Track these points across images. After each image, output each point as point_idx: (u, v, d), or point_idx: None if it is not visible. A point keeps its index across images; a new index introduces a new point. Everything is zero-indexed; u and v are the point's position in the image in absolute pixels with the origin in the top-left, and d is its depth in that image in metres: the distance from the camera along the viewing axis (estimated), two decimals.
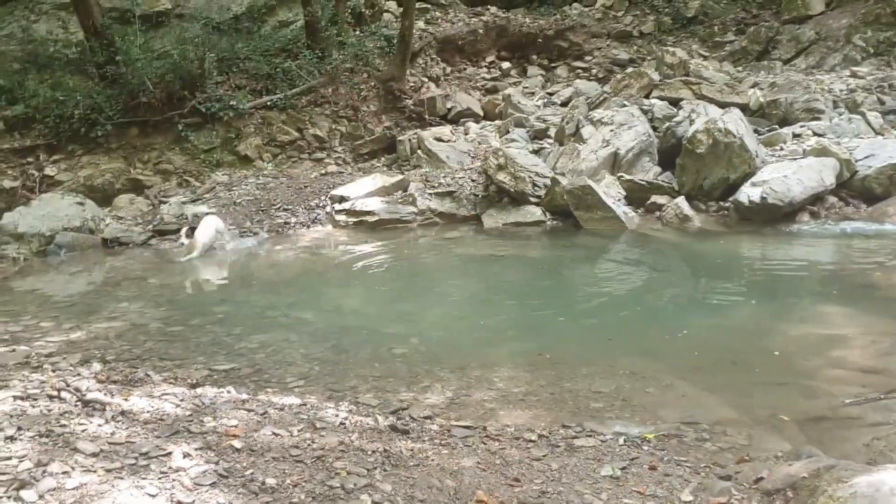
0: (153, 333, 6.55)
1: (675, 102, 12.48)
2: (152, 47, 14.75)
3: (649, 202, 10.76)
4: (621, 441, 4.10)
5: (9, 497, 2.72)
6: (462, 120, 15.54)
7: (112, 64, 13.16)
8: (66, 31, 14.90)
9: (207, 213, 9.92)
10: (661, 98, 12.76)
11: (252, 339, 6.26)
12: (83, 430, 3.39)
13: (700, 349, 5.75)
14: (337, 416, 4.13)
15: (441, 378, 5.25)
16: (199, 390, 4.56)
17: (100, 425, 3.49)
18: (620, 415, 4.55)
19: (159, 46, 15.03)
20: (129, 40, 13.76)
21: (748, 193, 9.88)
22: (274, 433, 3.62)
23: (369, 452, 3.49)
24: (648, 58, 17.03)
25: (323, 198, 11.84)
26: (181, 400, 4.08)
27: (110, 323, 6.83)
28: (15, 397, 3.75)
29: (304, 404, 4.43)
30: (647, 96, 13.07)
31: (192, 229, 9.40)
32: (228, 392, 4.58)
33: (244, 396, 4.49)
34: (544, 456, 3.78)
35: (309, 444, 3.52)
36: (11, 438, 3.22)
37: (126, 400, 3.96)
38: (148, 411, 3.80)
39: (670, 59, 14.07)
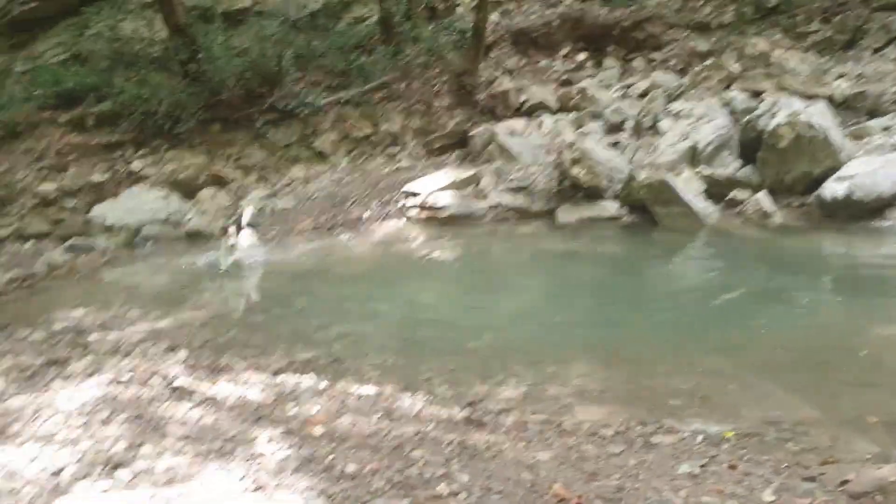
0: (236, 323, 6.80)
1: (756, 95, 12.17)
2: (232, 45, 15.14)
3: (728, 197, 10.50)
4: (700, 439, 4.04)
5: (104, 476, 2.85)
6: (535, 113, 15.43)
7: (194, 62, 13.56)
8: (151, 30, 15.41)
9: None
10: (741, 90, 12.44)
11: (330, 330, 6.41)
12: (173, 415, 3.54)
13: (782, 348, 5.59)
14: (413, 406, 4.20)
15: (515, 373, 5.26)
16: (280, 378, 4.70)
17: (188, 410, 3.64)
18: (699, 413, 4.48)
19: (239, 44, 15.42)
20: (211, 38, 14.15)
21: (832, 189, 9.54)
22: (353, 421, 3.71)
23: (445, 443, 3.54)
24: (728, 49, 16.55)
25: (395, 193, 11.96)
26: (264, 387, 4.21)
27: (194, 312, 7.08)
28: (108, 382, 3.93)
29: (381, 394, 4.51)
30: (726, 88, 12.79)
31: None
32: (309, 380, 4.69)
33: (323, 385, 4.60)
34: (621, 452, 3.76)
35: (387, 433, 3.59)
36: (106, 421, 3.38)
37: (212, 386, 4.10)
38: (233, 397, 3.93)
39: (751, 50, 13.71)
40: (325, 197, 12.07)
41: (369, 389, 4.62)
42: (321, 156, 14.03)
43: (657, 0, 18.01)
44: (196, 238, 10.95)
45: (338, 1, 16.70)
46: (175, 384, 4.01)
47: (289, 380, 4.55)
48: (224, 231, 7.40)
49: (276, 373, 4.97)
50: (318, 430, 3.49)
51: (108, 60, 14.94)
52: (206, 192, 12.65)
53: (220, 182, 13.30)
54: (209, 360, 5.22)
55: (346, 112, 14.44)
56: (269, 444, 3.22)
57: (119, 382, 3.95)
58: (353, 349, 5.87)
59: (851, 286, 7.28)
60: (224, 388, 4.05)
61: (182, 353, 5.44)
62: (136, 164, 13.20)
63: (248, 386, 4.15)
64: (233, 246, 7.78)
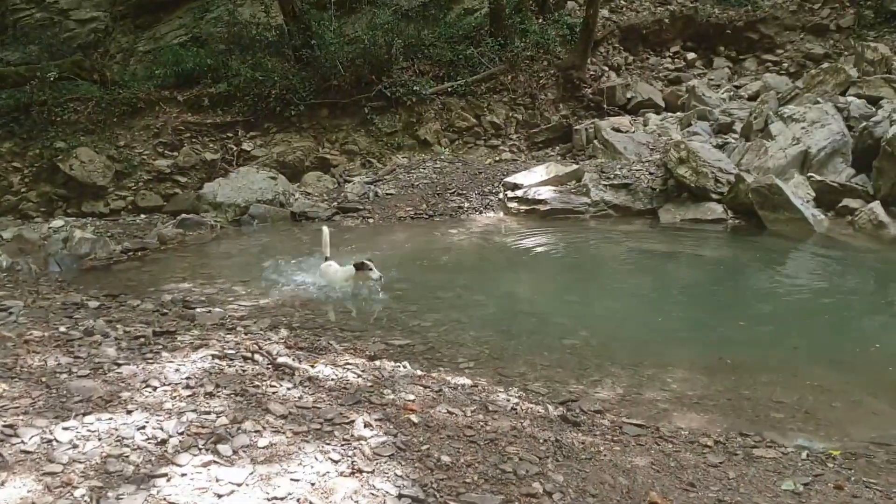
0: (335, 305, 6.93)
1: (874, 101, 11.58)
2: (345, 32, 15.46)
3: (840, 205, 10.07)
4: (804, 455, 3.90)
5: (207, 450, 2.97)
6: (642, 111, 15.18)
7: (307, 48, 13.92)
8: (268, 16, 15.91)
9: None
10: (858, 96, 11.87)
11: (426, 318, 6.49)
12: (274, 393, 3.65)
13: (894, 365, 5.34)
14: (508, 401, 4.20)
15: (611, 373, 5.21)
16: (377, 363, 4.78)
17: (289, 389, 3.75)
18: (803, 428, 4.33)
19: (351, 32, 15.73)
20: (325, 25, 14.49)
21: None
22: (448, 411, 3.74)
23: (541, 441, 3.53)
24: (845, 53, 15.85)
25: (496, 184, 11.98)
26: (362, 371, 4.29)
27: (295, 292, 7.28)
28: (213, 356, 4.09)
29: (476, 385, 4.54)
30: (842, 93, 12.21)
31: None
32: (405, 367, 4.77)
33: (419, 372, 4.66)
34: (721, 463, 3.66)
35: (482, 426, 3.60)
36: (211, 395, 3.52)
37: (312, 367, 4.22)
38: (332, 379, 4.03)
39: (871, 54, 13.04)
40: (426, 185, 12.19)
41: (464, 380, 4.65)
42: (425, 144, 14.18)
43: (773, 2, 17.35)
44: (300, 219, 11.25)
45: None
46: (277, 362, 4.13)
47: (385, 365, 4.62)
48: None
49: (372, 358, 5.06)
50: (414, 418, 3.54)
51: (226, 44, 15.48)
52: (311, 175, 13.00)
53: (325, 165, 13.62)
54: (308, 340, 5.37)
55: (450, 102, 14.55)
56: (367, 429, 3.28)
57: (224, 357, 4.10)
58: (448, 338, 5.92)
59: None
60: (324, 370, 4.15)
61: (283, 332, 5.61)
62: (247, 145, 13.66)
63: (346, 369, 4.24)
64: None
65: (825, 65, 13.85)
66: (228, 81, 14.17)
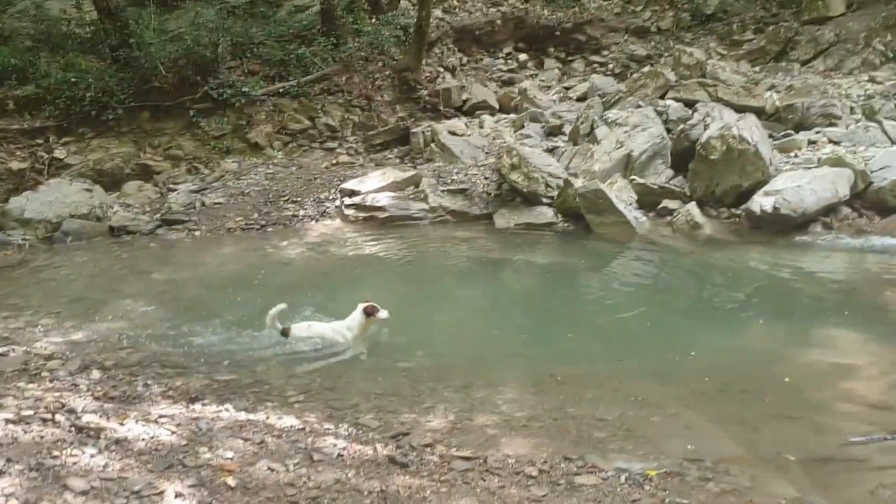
0: (156, 336, 6.54)
1: (690, 104, 12.32)
2: (166, 30, 14.67)
3: (660, 206, 10.64)
4: (623, 479, 4.02)
5: None
6: (477, 112, 15.40)
7: (125, 47, 13.10)
8: (80, 11, 14.81)
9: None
10: (676, 99, 12.60)
11: (255, 345, 6.23)
12: (75, 463, 3.34)
13: (709, 374, 5.63)
14: (335, 445, 4.08)
15: (444, 398, 5.20)
16: (197, 408, 4.53)
17: (93, 456, 3.45)
18: (623, 447, 4.47)
19: (173, 29, 14.94)
20: (143, 23, 13.67)
21: (760, 202, 9.74)
22: (269, 467, 3.57)
23: (365, 493, 3.44)
24: (666, 54, 16.79)
25: (333, 190, 11.76)
26: (178, 424, 4.03)
27: (113, 323, 6.81)
28: (7, 421, 3.70)
29: (303, 428, 4.38)
30: (662, 97, 12.92)
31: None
32: (227, 411, 4.53)
33: (242, 417, 4.44)
34: (544, 496, 3.72)
35: (305, 482, 3.46)
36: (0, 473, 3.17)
37: (122, 424, 3.92)
38: (143, 439, 3.75)
39: (687, 59, 13.89)
40: (258, 192, 11.78)
41: (291, 421, 4.49)
42: (256, 147, 13.73)
43: (598, 3, 18.11)
44: (120, 233, 10.54)
45: None
46: (81, 422, 3.80)
47: (206, 413, 4.37)
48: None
49: (193, 399, 4.79)
50: (231, 481, 3.34)
51: (33, 41, 14.27)
52: (132, 185, 12.23)
53: (148, 173, 12.88)
54: (123, 381, 5.01)
55: (283, 103, 14.16)
56: (178, 500, 3.07)
57: (20, 421, 3.72)
58: (277, 369, 5.72)
59: (777, 307, 7.42)
60: (134, 428, 3.85)
61: (95, 374, 5.20)
62: (60, 152, 12.70)
63: (161, 424, 3.96)
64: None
65: (646, 68, 14.59)
66: (37, 83, 13.09)
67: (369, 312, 6.17)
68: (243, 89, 13.62)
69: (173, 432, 3.89)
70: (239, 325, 6.77)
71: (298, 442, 4.07)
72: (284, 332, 6.16)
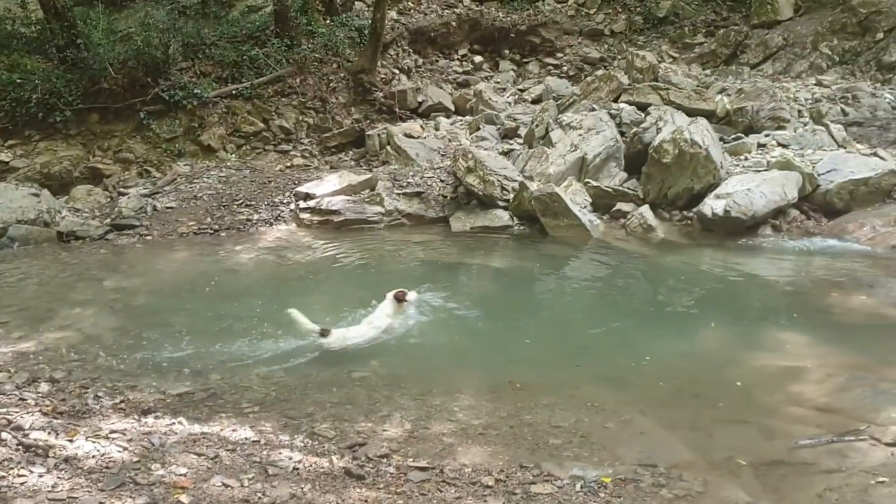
0: (106, 346, 6.40)
1: (643, 107, 12.47)
2: (116, 29, 14.38)
3: (614, 209, 10.76)
4: (578, 487, 4.06)
5: None
6: (433, 114, 15.42)
7: (73, 47, 12.80)
8: (25, 10, 14.40)
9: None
10: (629, 103, 12.74)
11: (209, 355, 6.15)
12: (23, 483, 3.26)
13: (662, 378, 5.71)
14: (291, 458, 4.04)
15: (401, 406, 5.19)
16: (150, 421, 4.45)
17: (41, 475, 3.37)
18: (578, 454, 4.52)
19: (123, 28, 14.65)
20: (91, 23, 13.37)
21: (712, 205, 9.92)
22: (224, 483, 3.53)
23: None
24: (619, 57, 17.03)
25: (287, 194, 11.64)
26: (129, 440, 3.96)
27: (63, 332, 6.65)
28: None
29: (258, 440, 4.33)
30: (616, 100, 13.06)
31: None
32: (181, 424, 4.46)
33: (196, 430, 4.38)
34: None
35: (260, 498, 3.43)
36: None
37: (71, 441, 3.83)
38: (93, 456, 3.68)
39: (640, 62, 14.07)
40: (211, 196, 11.61)
41: (246, 433, 4.44)
42: (208, 150, 13.55)
43: (552, 6, 18.27)
44: (69, 239, 10.29)
45: None
46: (28, 440, 3.71)
47: (158, 426, 4.30)
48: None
49: (145, 412, 4.71)
50: (184, 499, 3.29)
51: None
52: (81, 189, 11.95)
53: (97, 176, 12.62)
54: (73, 395, 4.90)
55: (236, 105, 13.99)
56: None
57: None
58: (232, 380, 5.63)
59: (728, 310, 7.56)
60: (84, 445, 3.77)
61: (44, 387, 5.08)
62: (5, 156, 12.36)
63: (112, 440, 3.89)
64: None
65: (600, 71, 14.74)
66: None
67: (399, 299, 6.61)
68: (195, 91, 13.41)
69: (125, 448, 3.82)
70: (191, 334, 6.66)
71: (253, 455, 4.02)
72: (324, 333, 6.22)
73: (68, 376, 5.51)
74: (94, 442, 3.85)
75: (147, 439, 4.02)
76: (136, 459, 3.70)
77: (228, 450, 4.04)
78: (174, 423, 4.45)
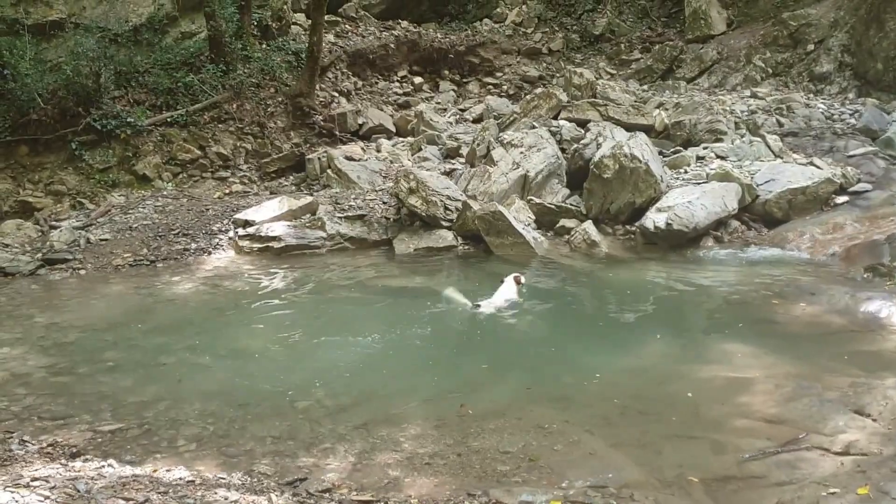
0: (35, 385, 6.12)
1: (582, 124, 12.58)
2: (45, 58, 13.99)
3: (558, 225, 10.78)
4: None
5: None
6: (374, 136, 15.32)
7: None
8: None
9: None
10: (569, 119, 12.84)
11: (143, 392, 5.91)
12: None
13: (610, 396, 5.64)
14: (227, 498, 3.85)
15: (344, 438, 5.03)
16: (77, 465, 4.22)
17: None
18: (527, 478, 4.42)
19: (53, 57, 14.27)
20: (18, 53, 12.96)
21: (654, 219, 9.99)
22: None
23: None
24: (558, 75, 17.18)
25: (226, 221, 11.38)
26: (52, 487, 3.71)
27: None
28: None
29: (193, 480, 4.13)
30: (555, 117, 13.14)
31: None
32: (110, 467, 4.24)
33: (127, 472, 4.16)
34: None
35: None
36: None
37: None
38: None
39: (578, 80, 14.20)
40: (146, 226, 11.27)
41: (181, 473, 4.23)
42: (144, 180, 13.22)
43: (490, 26, 18.40)
44: None
45: (164, 15, 15.79)
46: None
47: (86, 470, 4.06)
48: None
49: (73, 455, 4.47)
50: None
51: None
52: (10, 223, 11.51)
53: (28, 210, 12.19)
54: None
55: (171, 133, 13.69)
56: None
57: None
58: (168, 416, 5.40)
59: (673, 323, 7.57)
60: (0, 497, 3.53)
61: None
62: None
63: (33, 488, 3.64)
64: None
65: (539, 89, 14.82)
66: None
67: (518, 281, 8.17)
68: (129, 119, 13.09)
69: (46, 497, 3.58)
70: (126, 369, 6.40)
71: (187, 497, 3.81)
72: (476, 307, 7.85)
73: None
74: (12, 492, 3.59)
75: (72, 485, 3.78)
76: None
77: (160, 492, 3.82)
78: (104, 466, 4.22)
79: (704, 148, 12.15)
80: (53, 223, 11.56)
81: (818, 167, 10.77)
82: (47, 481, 3.81)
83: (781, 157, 11.63)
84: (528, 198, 11.19)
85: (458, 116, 15.95)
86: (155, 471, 4.31)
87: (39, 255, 10.34)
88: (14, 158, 12.62)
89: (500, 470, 4.51)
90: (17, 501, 3.51)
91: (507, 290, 8.07)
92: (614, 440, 4.91)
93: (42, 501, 3.54)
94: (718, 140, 12.38)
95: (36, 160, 12.74)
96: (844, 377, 5.57)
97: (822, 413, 4.97)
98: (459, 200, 10.87)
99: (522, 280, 8.23)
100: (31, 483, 3.76)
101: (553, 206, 11.03)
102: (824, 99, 14.38)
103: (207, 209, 11.91)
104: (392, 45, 17.51)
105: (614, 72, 17.41)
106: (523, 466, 4.55)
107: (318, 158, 13.66)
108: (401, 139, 15.14)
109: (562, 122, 12.71)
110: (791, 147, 12.12)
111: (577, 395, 5.73)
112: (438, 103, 16.96)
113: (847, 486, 4.00)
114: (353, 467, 4.57)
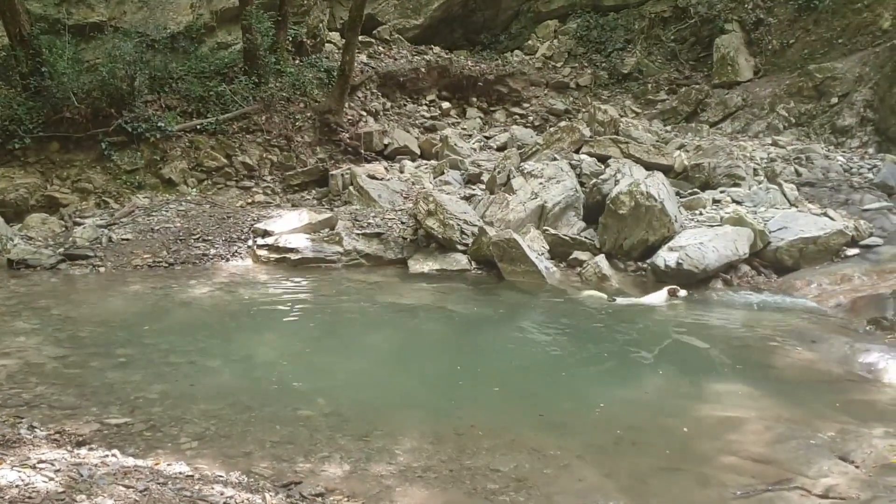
0: (47, 375, 6.30)
1: (603, 159, 12.74)
2: (83, 59, 14.36)
3: (571, 257, 10.90)
4: None
5: None
6: (398, 157, 15.55)
7: (37, 75, 12.75)
8: None
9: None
10: (590, 154, 13.00)
11: (151, 389, 6.06)
12: None
13: (606, 426, 5.73)
14: (223, 493, 3.99)
15: (342, 447, 5.15)
16: (82, 452, 4.38)
17: None
18: (514, 499, 4.52)
19: (91, 58, 14.66)
20: (57, 52, 13.34)
21: (665, 258, 10.09)
22: None
23: None
24: (583, 109, 17.36)
25: (246, 230, 11.61)
26: (57, 470, 3.87)
27: (3, 361, 6.52)
28: None
29: (192, 476, 4.27)
30: (577, 151, 13.30)
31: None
32: (114, 457, 4.39)
33: (129, 463, 4.31)
34: None
35: None
36: None
37: None
38: (17, 486, 3.59)
39: (602, 116, 14.37)
40: (168, 229, 11.52)
41: (181, 467, 4.38)
42: (169, 184, 13.50)
43: (521, 58, 18.66)
44: (19, 267, 10.13)
45: (201, 24, 16.19)
46: None
47: (90, 458, 4.22)
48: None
49: (80, 443, 4.63)
50: None
51: None
52: (35, 217, 11.82)
53: (54, 205, 12.49)
54: (5, 427, 4.79)
55: (200, 140, 13.98)
56: None
57: None
58: (174, 413, 5.55)
59: (676, 360, 7.64)
60: (8, 475, 3.68)
61: None
62: None
63: (39, 469, 3.81)
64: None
65: (563, 123, 15.02)
66: None
67: (671, 294, 9.49)
68: (159, 124, 13.41)
69: (50, 479, 3.74)
70: (136, 366, 6.58)
71: (184, 490, 3.96)
72: (611, 300, 9.15)
73: (4, 404, 5.41)
74: (19, 471, 3.76)
75: (76, 470, 3.94)
76: (60, 490, 3.63)
77: (160, 483, 3.97)
78: (107, 456, 4.38)
79: (721, 191, 12.26)
80: (77, 220, 11.85)
81: (832, 218, 10.83)
82: (52, 464, 3.97)
83: (796, 206, 11.70)
84: (544, 228, 11.34)
85: (482, 143, 16.16)
86: (156, 464, 4.46)
87: (62, 249, 10.62)
88: (45, 154, 12.94)
89: (489, 488, 4.62)
90: (22, 480, 3.68)
91: (657, 295, 9.43)
92: (604, 468, 5.00)
93: (46, 482, 3.70)
94: (736, 185, 12.49)
95: (66, 157, 13.06)
96: (834, 423, 5.64)
97: (808, 456, 5.05)
98: (476, 225, 11.04)
99: (679, 293, 9.49)
100: (37, 465, 3.92)
101: (568, 238, 11.16)
102: (844, 152, 14.45)
103: (229, 217, 12.15)
104: (423, 70, 17.81)
105: (640, 111, 17.58)
106: (511, 486, 4.65)
107: (342, 175, 13.92)
108: (424, 162, 15.36)
109: (583, 156, 12.87)
110: (807, 197, 12.19)
111: (574, 422, 5.84)
112: (464, 129, 17.20)
113: None
114: (347, 475, 4.70)
